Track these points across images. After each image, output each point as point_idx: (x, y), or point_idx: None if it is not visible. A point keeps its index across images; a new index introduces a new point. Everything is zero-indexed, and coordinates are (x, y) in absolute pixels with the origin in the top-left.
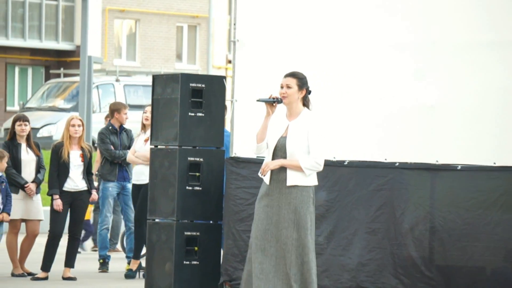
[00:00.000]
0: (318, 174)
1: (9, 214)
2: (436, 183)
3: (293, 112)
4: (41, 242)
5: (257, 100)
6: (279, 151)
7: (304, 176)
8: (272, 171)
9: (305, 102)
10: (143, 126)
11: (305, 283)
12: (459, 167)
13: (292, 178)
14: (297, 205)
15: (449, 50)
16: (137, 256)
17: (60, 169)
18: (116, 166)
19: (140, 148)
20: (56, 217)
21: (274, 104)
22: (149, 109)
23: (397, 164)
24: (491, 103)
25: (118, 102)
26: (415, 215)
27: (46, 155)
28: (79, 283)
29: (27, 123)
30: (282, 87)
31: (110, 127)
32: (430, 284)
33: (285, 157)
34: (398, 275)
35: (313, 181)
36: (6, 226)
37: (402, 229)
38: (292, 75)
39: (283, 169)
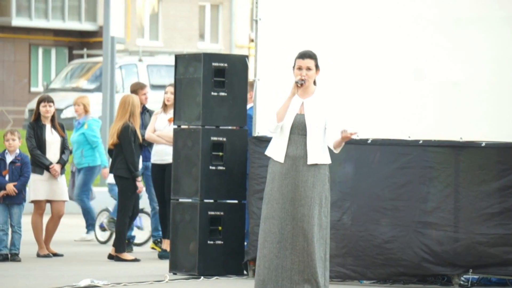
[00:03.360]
0: (341, 152)
1: (16, 190)
2: (460, 160)
3: (307, 90)
4: (66, 222)
5: (296, 82)
6: (296, 128)
7: (322, 154)
8: (287, 149)
9: (315, 80)
10: (165, 106)
11: (321, 259)
12: (483, 144)
13: (313, 157)
14: (315, 182)
15: (474, 27)
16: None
17: (136, 150)
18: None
19: (164, 128)
20: (132, 198)
21: (299, 86)
22: (170, 89)
23: (420, 141)
24: None
25: (136, 83)
26: (440, 193)
27: (69, 135)
28: (103, 263)
29: (51, 104)
30: (300, 69)
31: None
32: (456, 263)
33: (303, 135)
34: (422, 253)
35: (328, 159)
36: (30, 207)
37: (427, 207)
38: (310, 56)
39: (299, 147)
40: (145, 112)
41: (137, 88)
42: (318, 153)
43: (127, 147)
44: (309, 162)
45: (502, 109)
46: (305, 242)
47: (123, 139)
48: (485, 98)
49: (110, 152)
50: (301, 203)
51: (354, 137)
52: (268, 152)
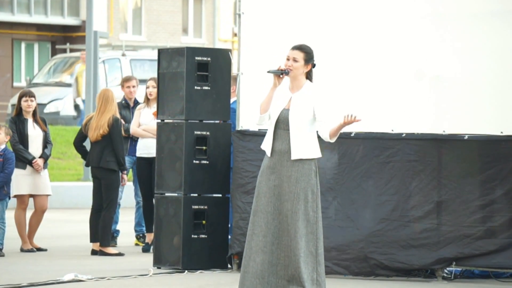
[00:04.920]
0: (326, 146)
1: None
2: (443, 153)
3: (296, 85)
4: (49, 217)
5: (268, 72)
6: (282, 123)
7: (307, 149)
8: (274, 143)
9: (309, 76)
10: (148, 100)
11: (310, 254)
12: (466, 137)
13: (296, 152)
14: (298, 177)
15: (455, 21)
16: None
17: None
18: (128, 140)
19: (150, 122)
20: (118, 192)
21: (281, 76)
22: (151, 83)
23: (403, 135)
24: (497, 73)
25: (124, 77)
26: (424, 186)
27: (53, 130)
28: (87, 257)
29: (33, 98)
30: (288, 59)
31: (123, 101)
32: (440, 256)
33: (287, 129)
34: (406, 247)
35: (316, 153)
36: (13, 202)
37: (411, 200)
38: (300, 48)
39: (285, 141)
40: (136, 106)
41: (122, 81)
42: (302, 148)
43: (119, 140)
44: (293, 157)
45: (485, 102)
46: (288, 237)
47: (115, 131)
48: (467, 91)
49: (78, 144)
50: (285, 198)
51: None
52: (262, 145)
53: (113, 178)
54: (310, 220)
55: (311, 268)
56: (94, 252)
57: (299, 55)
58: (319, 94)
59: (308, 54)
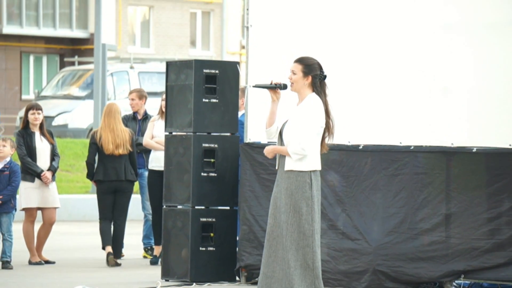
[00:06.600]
0: (335, 159)
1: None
2: (452, 166)
3: (300, 97)
4: (57, 230)
5: (253, 86)
6: (282, 135)
7: (300, 161)
8: (280, 156)
9: (315, 88)
10: (162, 113)
11: (308, 268)
12: (474, 150)
13: (289, 163)
14: (293, 190)
15: (463, 32)
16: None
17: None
18: None
19: (163, 135)
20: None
21: (277, 90)
22: None
23: (412, 147)
24: (505, 85)
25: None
26: (432, 199)
27: (61, 143)
28: (96, 270)
29: (40, 111)
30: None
31: (133, 114)
32: (448, 269)
33: (283, 143)
34: (415, 260)
35: (311, 166)
36: (21, 215)
37: (420, 213)
38: (299, 61)
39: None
40: (145, 119)
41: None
42: (295, 160)
43: (135, 153)
44: (286, 169)
45: (493, 115)
46: (284, 250)
47: (134, 146)
48: (476, 104)
49: (94, 162)
50: (282, 210)
51: (345, 143)
52: None
53: (132, 189)
54: (306, 233)
55: (309, 281)
56: (110, 254)
57: (297, 68)
58: (308, 109)
59: (307, 66)
